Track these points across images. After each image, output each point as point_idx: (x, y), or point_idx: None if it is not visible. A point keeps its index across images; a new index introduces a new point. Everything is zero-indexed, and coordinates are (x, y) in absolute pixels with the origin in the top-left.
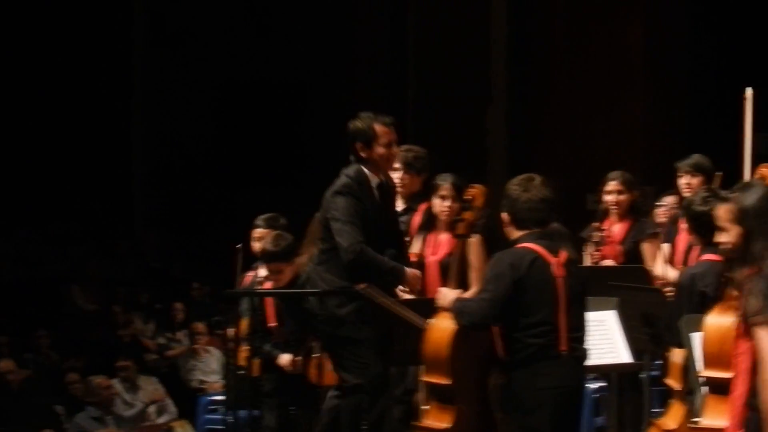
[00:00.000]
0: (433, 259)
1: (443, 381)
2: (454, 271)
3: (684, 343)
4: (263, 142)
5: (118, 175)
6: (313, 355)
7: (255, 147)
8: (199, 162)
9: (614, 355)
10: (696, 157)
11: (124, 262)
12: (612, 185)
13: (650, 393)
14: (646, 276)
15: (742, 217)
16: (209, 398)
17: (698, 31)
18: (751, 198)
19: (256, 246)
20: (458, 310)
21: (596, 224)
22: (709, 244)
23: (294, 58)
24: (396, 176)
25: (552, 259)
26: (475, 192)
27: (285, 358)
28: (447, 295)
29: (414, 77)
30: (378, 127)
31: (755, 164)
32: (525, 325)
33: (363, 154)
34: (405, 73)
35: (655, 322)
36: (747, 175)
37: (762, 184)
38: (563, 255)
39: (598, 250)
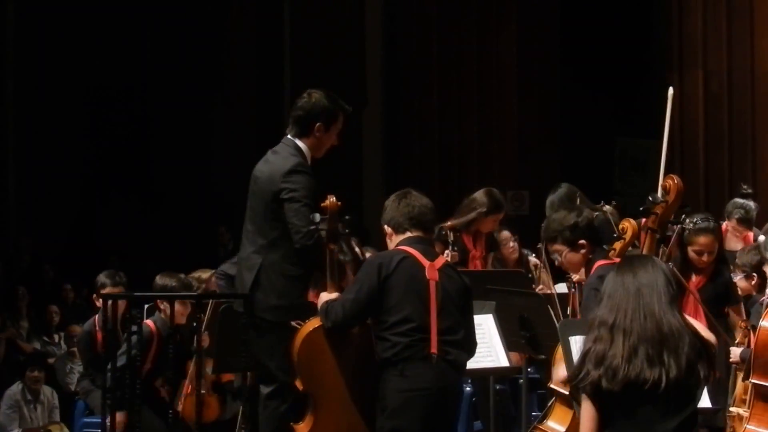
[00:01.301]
0: None
1: (298, 385)
2: (329, 276)
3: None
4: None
5: None
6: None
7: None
8: (73, 167)
9: (492, 358)
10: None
11: None
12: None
13: (528, 396)
14: (526, 281)
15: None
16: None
17: (570, 43)
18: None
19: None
20: (324, 311)
21: (446, 224)
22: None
23: (160, 65)
24: None
25: (426, 263)
26: (327, 204)
27: None
28: (323, 298)
29: (290, 80)
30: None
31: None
32: (391, 323)
33: (317, 134)
34: (281, 76)
35: (533, 326)
36: (661, 176)
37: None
38: (440, 260)
39: (454, 250)
